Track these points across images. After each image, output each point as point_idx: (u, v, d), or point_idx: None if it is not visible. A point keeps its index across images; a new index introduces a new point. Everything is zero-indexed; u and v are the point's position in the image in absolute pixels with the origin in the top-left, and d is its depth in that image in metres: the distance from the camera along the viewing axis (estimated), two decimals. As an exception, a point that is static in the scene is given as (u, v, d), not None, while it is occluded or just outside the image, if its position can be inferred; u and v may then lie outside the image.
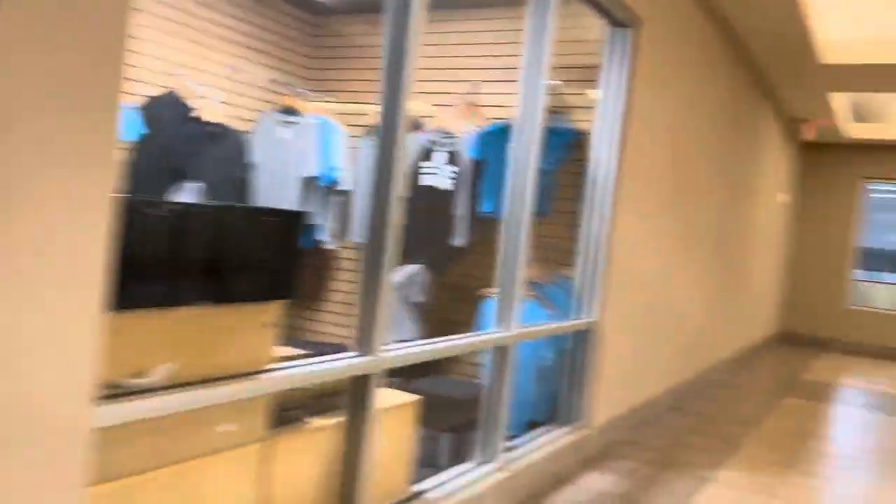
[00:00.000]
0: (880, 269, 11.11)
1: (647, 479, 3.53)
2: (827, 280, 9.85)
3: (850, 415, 5.57)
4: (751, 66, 6.29)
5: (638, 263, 4.13)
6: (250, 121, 4.23)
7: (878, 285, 9.99)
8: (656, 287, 4.53)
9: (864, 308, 9.71)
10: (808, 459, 4.16)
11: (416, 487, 2.59)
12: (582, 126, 3.83)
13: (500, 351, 3.00)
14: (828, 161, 9.86)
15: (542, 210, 3.78)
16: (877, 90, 6.77)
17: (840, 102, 7.98)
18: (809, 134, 8.48)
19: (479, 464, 2.94)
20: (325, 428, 2.19)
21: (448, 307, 4.08)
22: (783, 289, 10.00)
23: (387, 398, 2.48)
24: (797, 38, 5.48)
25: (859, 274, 10.18)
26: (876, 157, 9.55)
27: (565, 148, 3.76)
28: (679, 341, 5.24)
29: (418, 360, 2.41)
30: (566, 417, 3.72)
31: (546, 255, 3.88)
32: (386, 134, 2.16)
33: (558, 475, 3.42)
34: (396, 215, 2.17)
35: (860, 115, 9.33)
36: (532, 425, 3.64)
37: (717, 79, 5.35)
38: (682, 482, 3.53)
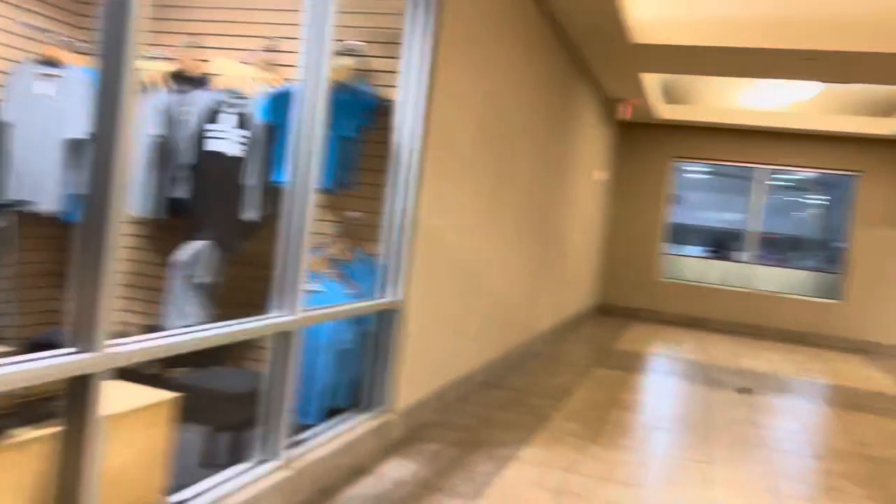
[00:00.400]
0: (689, 244, 11.95)
1: (450, 461, 3.41)
2: (641, 254, 10.44)
3: (657, 383, 5.85)
4: (567, 44, 6.36)
5: (448, 239, 3.98)
6: (2, 73, 3.59)
7: (687, 259, 10.73)
8: (469, 262, 4.42)
9: (674, 280, 10.40)
10: (613, 431, 4.25)
11: (174, 498, 2.25)
12: (388, 93, 3.59)
13: (283, 337, 2.70)
14: (641, 140, 10.40)
15: (345, 182, 3.51)
16: (686, 72, 7.12)
17: (652, 83, 8.37)
18: (624, 114, 8.85)
19: (258, 463, 2.65)
20: (36, 440, 1.80)
21: (241, 289, 3.71)
22: (601, 262, 10.49)
23: (133, 397, 2.12)
24: (610, 18, 5.57)
25: (671, 248, 10.90)
26: (685, 138, 10.19)
27: (368, 115, 3.50)
28: (495, 316, 5.21)
29: (162, 355, 2.06)
30: (368, 403, 3.51)
31: (351, 232, 3.62)
32: (106, 89, 1.77)
33: (355, 466, 3.20)
34: (120, 182, 1.79)
35: (671, 97, 9.89)
36: (333, 413, 3.40)
37: (535, 56, 5.32)
38: (486, 463, 3.45)
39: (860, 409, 5.65)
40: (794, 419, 5.07)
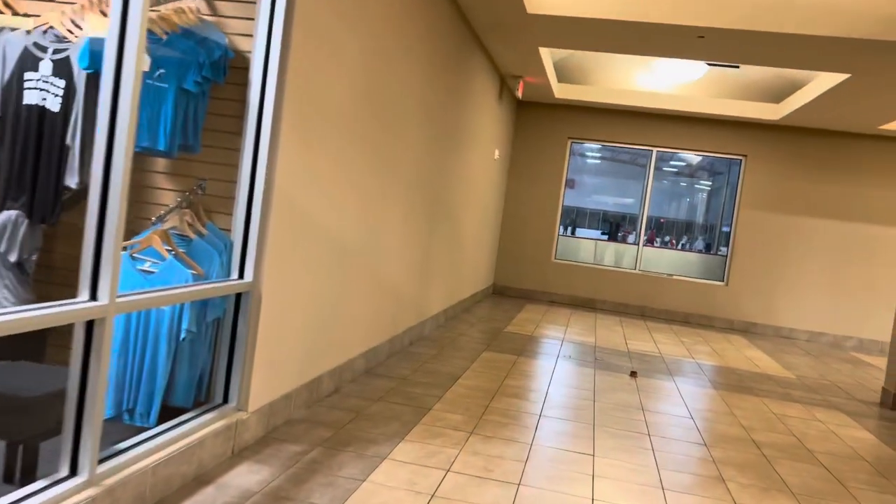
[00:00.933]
0: (584, 227, 11.99)
1: (310, 465, 3.00)
2: (536, 235, 10.32)
3: (546, 367, 5.64)
4: (462, 12, 6.01)
5: (318, 213, 3.54)
6: None
7: (580, 240, 10.70)
8: (347, 240, 4.00)
9: (568, 262, 10.34)
10: (497, 422, 3.96)
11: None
12: (242, 43, 3.10)
13: (90, 328, 2.20)
14: (538, 120, 10.25)
15: (187, 144, 3.00)
16: (581, 47, 6.92)
17: (548, 61, 8.16)
18: (522, 91, 8.62)
19: (58, 481, 2.15)
20: None
21: (66, 268, 3.15)
22: (497, 243, 10.30)
23: None
24: (502, -18, 5.24)
25: (566, 230, 10.86)
26: (581, 118, 10.11)
27: (216, 66, 3.00)
28: (381, 299, 4.82)
29: None
30: (215, 401, 3.05)
31: (196, 202, 3.12)
32: None
33: (195, 475, 2.74)
34: None
35: (567, 77, 9.76)
36: (174, 413, 2.91)
37: (426, 20, 4.92)
38: (352, 465, 3.06)
39: (745, 391, 5.66)
40: (682, 403, 4.98)
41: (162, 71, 2.89)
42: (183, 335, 2.87)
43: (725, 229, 10.56)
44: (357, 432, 3.49)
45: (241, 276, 3.04)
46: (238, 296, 3.04)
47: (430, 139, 5.61)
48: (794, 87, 9.07)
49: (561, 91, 9.56)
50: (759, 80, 9.31)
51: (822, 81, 7.47)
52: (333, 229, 3.79)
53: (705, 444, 4.03)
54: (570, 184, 11.38)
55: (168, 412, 2.97)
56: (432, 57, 5.34)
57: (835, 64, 6.19)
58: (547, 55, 7.89)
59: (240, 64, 3.09)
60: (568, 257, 10.49)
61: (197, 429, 2.80)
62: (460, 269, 7.72)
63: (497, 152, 8.96)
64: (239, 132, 3.10)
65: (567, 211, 11.49)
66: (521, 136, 10.32)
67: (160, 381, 2.86)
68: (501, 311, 8.55)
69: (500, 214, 10.24)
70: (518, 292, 10.38)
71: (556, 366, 5.72)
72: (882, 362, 8.40)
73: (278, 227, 3.12)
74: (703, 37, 5.91)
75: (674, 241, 11.31)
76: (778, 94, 9.32)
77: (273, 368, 3.29)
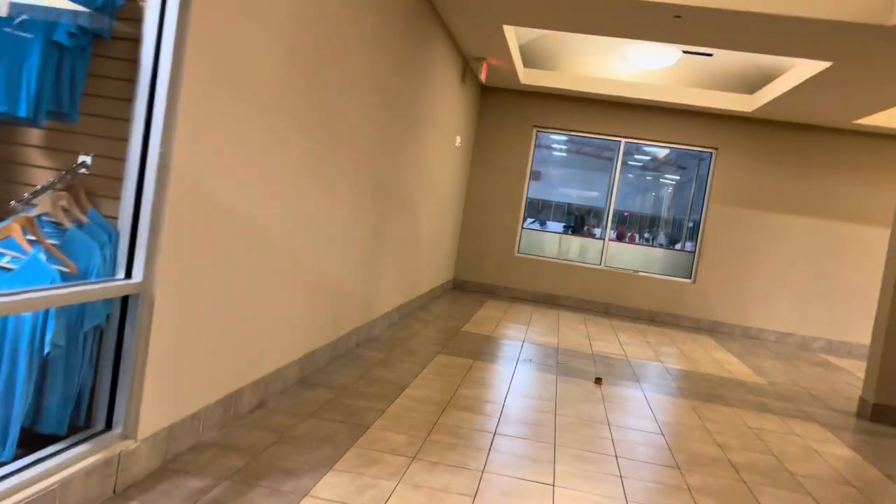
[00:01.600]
0: (548, 220, 11.57)
1: (212, 507, 2.47)
2: (499, 228, 9.85)
3: (504, 373, 5.17)
4: (419, -21, 5.47)
5: (233, 199, 2.99)
6: None
7: (544, 234, 10.27)
8: (273, 232, 3.45)
9: (531, 256, 9.90)
10: (446, 443, 3.46)
11: None
12: (135, -11, 2.53)
13: None
14: (503, 107, 9.76)
15: (62, 111, 2.42)
16: (550, 26, 6.43)
17: (514, 43, 7.67)
18: (485, 74, 8.11)
19: None
20: None
21: None
22: (458, 236, 9.80)
23: None
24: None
25: (529, 223, 10.42)
26: (548, 106, 9.64)
27: (98, 15, 2.43)
28: (318, 298, 4.28)
29: None
30: (93, 428, 2.49)
31: (76, 183, 2.54)
32: None
33: (57, 526, 2.19)
34: None
35: (533, 62, 9.28)
36: (35, 443, 2.35)
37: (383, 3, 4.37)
38: (265, 505, 2.54)
39: (717, 401, 5.26)
40: (651, 416, 4.54)
41: (24, 17, 2.31)
42: (47, 349, 2.31)
43: (682, 224, 10.23)
44: (277, 459, 2.96)
45: (128, 274, 2.48)
46: (125, 299, 2.48)
47: (382, 121, 5.07)
48: (767, 79, 8.73)
49: (527, 77, 9.07)
50: (732, 69, 8.95)
51: (799, 72, 7.11)
52: (255, 218, 3.24)
53: (678, 468, 3.59)
54: (536, 176, 11.00)
55: (38, 441, 2.41)
56: (385, 30, 4.79)
57: (817, 50, 5.80)
58: (512, 36, 7.39)
59: (130, 14, 2.51)
60: (531, 251, 10.05)
61: (66, 464, 2.25)
62: (417, 262, 7.20)
63: (459, 139, 8.45)
64: (130, 99, 2.53)
65: (533, 203, 11.07)
66: (484, 123, 9.82)
67: (18, 405, 2.29)
68: (460, 308, 8.06)
69: (462, 205, 9.74)
70: (479, 287, 9.91)
71: (516, 371, 5.25)
72: (851, 365, 8.14)
73: (178, 214, 2.56)
74: (679, 16, 5.46)
75: (635, 236, 10.94)
76: (752, 84, 8.97)
77: (173, 384, 2.73)
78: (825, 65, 6.31)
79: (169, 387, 2.70)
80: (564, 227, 11.06)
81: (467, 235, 9.92)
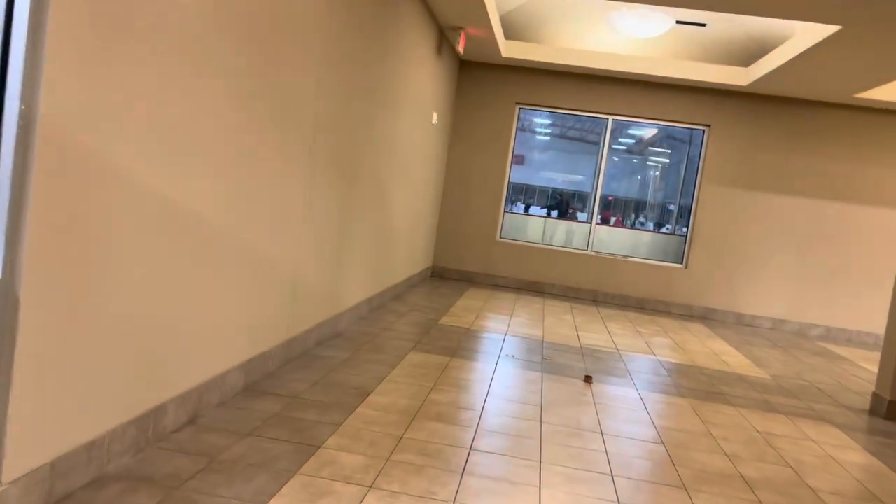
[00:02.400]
0: (532, 204, 11.08)
1: (99, 569, 1.90)
2: (480, 211, 9.29)
3: (485, 373, 4.63)
4: (385, -69, 4.86)
5: (134, 172, 2.40)
6: None
7: (528, 218, 9.73)
8: (203, 213, 2.87)
9: (515, 241, 9.36)
10: (411, 465, 2.92)
11: None
12: None
13: None
14: (483, 83, 9.17)
15: None
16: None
17: (495, 11, 7.08)
18: (463, 46, 7.52)
19: None
20: None
21: None
22: (437, 220, 9.23)
23: None
24: None
25: (513, 207, 9.89)
26: (530, 82, 9.07)
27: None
28: (268, 292, 3.71)
29: None
30: (-63, 472, 1.91)
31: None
32: None
33: None
34: None
35: (515, 33, 8.69)
36: None
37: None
38: (170, 563, 1.97)
39: (718, 399, 4.76)
40: (648, 420, 4.03)
41: None
42: None
43: (672, 208, 9.74)
44: (199, 494, 2.40)
45: (-19, 270, 1.90)
46: (-21, 302, 1.90)
47: (346, 92, 4.48)
48: (763, 51, 8.20)
49: (508, 49, 8.48)
50: (726, 40, 8.41)
51: (798, 41, 6.58)
52: (175, 196, 2.65)
53: (684, 488, 3.07)
54: (519, 160, 10.50)
55: None
56: (355, 10, 4.19)
57: (827, 11, 5.27)
58: (492, 3, 6.80)
59: (-21, -74, 1.91)
60: (514, 236, 9.50)
61: None
62: (390, 249, 6.63)
63: (436, 116, 7.86)
64: (-16, 40, 1.93)
65: (517, 188, 10.57)
66: (463, 99, 9.23)
67: None
68: (439, 298, 7.51)
69: (441, 187, 9.16)
70: (459, 275, 9.36)
71: (497, 369, 4.71)
72: (852, 354, 7.69)
73: (50, 188, 1.98)
74: (676, -27, 4.90)
75: (621, 219, 10.44)
76: (747, 57, 8.44)
77: (56, 406, 2.16)
78: (826, 33, 5.79)
79: (49, 410, 2.12)
80: (547, 207, 10.54)
81: (447, 220, 9.35)
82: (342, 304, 5.23)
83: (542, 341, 5.92)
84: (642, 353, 6.01)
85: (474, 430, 3.43)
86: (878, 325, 8.70)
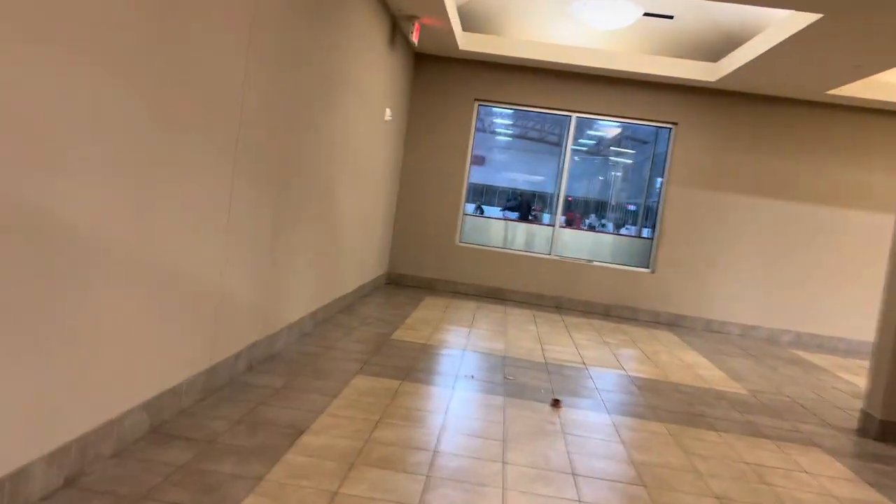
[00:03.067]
0: (494, 206, 10.66)
1: None
2: (438, 214, 8.76)
3: (441, 399, 4.10)
4: None
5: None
6: None
7: (489, 221, 9.24)
8: (86, 222, 2.28)
9: (475, 245, 8.86)
10: (340, 530, 2.36)
11: None
12: None
13: None
14: (441, 77, 8.64)
15: None
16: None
17: (451, 3, 6.56)
18: (418, 36, 6.98)
19: None
20: None
21: None
22: (392, 223, 8.67)
23: None
24: None
25: (473, 210, 9.39)
26: (490, 77, 8.57)
27: None
28: (179, 313, 3.11)
29: None
30: None
31: None
32: None
33: None
34: None
35: (474, 25, 8.19)
36: None
37: None
38: None
39: (699, 423, 4.31)
40: (624, 457, 3.54)
41: None
42: None
43: (635, 209, 9.37)
44: None
45: None
46: None
47: (281, 83, 3.89)
48: (732, 45, 7.85)
49: (466, 42, 7.98)
50: (695, 34, 8.04)
51: (770, 35, 6.21)
52: (45, 200, 2.06)
53: (675, 547, 2.58)
54: (480, 161, 10.04)
55: None
56: (272, -48, 3.61)
57: None
58: (447, -11, 6.28)
59: None
60: (475, 240, 9.00)
61: None
62: (339, 257, 6.06)
63: (389, 112, 7.30)
64: None
65: (476, 189, 10.11)
66: (420, 95, 8.69)
67: None
68: (393, 308, 6.96)
69: (396, 189, 8.61)
70: (417, 282, 8.81)
71: (454, 394, 4.18)
72: (827, 361, 7.37)
73: None
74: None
75: (581, 221, 10.04)
76: (716, 52, 8.08)
77: None
78: (804, 23, 5.41)
79: None
80: (505, 209, 10.09)
81: (403, 223, 8.80)
82: (279, 321, 4.64)
83: (504, 356, 5.42)
84: (611, 368, 5.55)
85: (425, 478, 2.89)
86: (849, 330, 8.43)
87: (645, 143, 9.92)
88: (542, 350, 5.90)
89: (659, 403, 4.65)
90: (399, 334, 5.74)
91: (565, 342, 6.40)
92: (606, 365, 5.66)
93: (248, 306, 3.99)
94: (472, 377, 4.65)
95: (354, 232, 6.56)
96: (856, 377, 6.67)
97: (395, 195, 8.60)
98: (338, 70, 5.18)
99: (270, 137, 3.97)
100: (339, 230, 5.94)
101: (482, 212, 9.90)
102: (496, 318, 7.19)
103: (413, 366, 4.75)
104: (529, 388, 4.58)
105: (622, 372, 5.47)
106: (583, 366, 5.50)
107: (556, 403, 4.25)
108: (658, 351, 6.63)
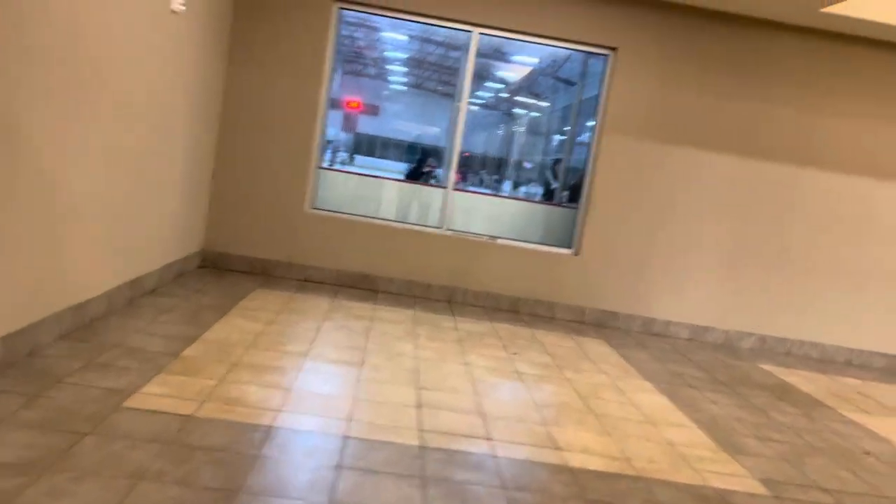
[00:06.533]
0: (368, 161, 8.16)
1: None
2: (280, 167, 6.06)
3: None
4: None
5: None
6: None
7: (357, 179, 6.65)
8: None
9: (332, 213, 6.26)
10: None
11: None
12: None
13: None
14: (283, -36, 5.86)
15: None
16: None
17: None
18: None
19: None
20: None
21: None
22: (206, 180, 5.89)
23: None
24: None
25: (338, 163, 6.77)
26: (355, -30, 5.88)
27: None
28: None
29: None
30: None
31: None
32: None
33: None
34: None
35: None
36: None
37: None
38: None
39: None
40: None
41: None
42: None
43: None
44: None
45: None
46: None
47: None
48: (701, -64, 5.52)
49: None
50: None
51: None
52: None
53: None
54: (374, 110, 7.84)
55: None
56: None
57: None
58: None
59: None
60: (334, 207, 6.38)
61: None
62: (64, 240, 3.30)
63: (180, 5, 4.49)
64: None
65: (357, 140, 7.60)
66: (249, -11, 5.88)
67: None
68: (183, 317, 4.27)
69: (215, 128, 5.82)
70: (246, 264, 6.12)
71: None
72: (814, 385, 5.35)
73: None
74: None
75: (495, 186, 7.66)
76: (675, -54, 5.74)
77: None
78: None
79: None
80: (409, 175, 7.57)
81: (225, 180, 6.04)
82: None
83: (345, 438, 2.91)
84: (535, 448, 3.17)
85: None
86: (826, 335, 6.50)
87: (571, 83, 7.58)
88: (419, 407, 3.43)
89: (597, 480, 2.30)
90: (152, 389, 3.09)
91: (458, 381, 3.96)
92: (526, 440, 3.27)
93: None
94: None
95: (112, 194, 3.80)
96: (867, 418, 4.65)
97: (212, 137, 5.82)
98: None
99: None
100: (65, 195, 3.17)
101: (331, 160, 7.29)
102: (355, 330, 4.66)
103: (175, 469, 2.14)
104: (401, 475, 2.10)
105: (556, 461, 3.09)
106: (488, 449, 3.08)
107: None
108: (598, 387, 4.32)
